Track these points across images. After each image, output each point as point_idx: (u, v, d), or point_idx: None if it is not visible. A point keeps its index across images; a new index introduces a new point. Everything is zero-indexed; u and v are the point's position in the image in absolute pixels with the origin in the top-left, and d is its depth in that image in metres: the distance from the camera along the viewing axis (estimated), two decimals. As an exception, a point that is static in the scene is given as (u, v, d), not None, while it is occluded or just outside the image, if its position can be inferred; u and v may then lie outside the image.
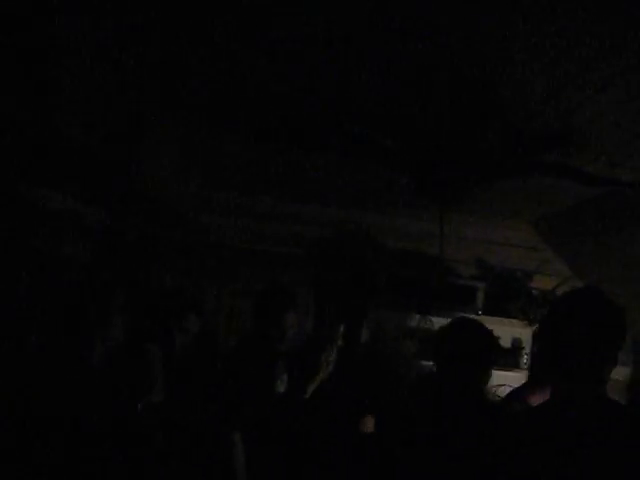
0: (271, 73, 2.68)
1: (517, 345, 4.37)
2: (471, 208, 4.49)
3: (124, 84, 2.86)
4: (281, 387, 3.23)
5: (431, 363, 4.22)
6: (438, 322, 4.45)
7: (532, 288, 4.82)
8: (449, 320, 4.17)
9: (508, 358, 4.36)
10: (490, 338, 2.99)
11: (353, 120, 2.99)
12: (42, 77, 2.24)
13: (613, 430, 1.97)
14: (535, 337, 2.16)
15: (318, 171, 4.12)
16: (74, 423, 2.20)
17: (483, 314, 4.50)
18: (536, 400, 2.58)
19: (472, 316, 4.45)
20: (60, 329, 2.44)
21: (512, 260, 4.99)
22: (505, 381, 3.44)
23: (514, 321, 4.57)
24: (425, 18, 2.14)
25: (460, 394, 2.84)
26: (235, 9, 2.24)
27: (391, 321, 4.58)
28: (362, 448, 3.04)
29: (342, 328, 4.14)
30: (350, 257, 4.79)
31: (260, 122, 3.24)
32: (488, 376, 2.92)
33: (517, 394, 2.96)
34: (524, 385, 3.22)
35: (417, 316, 4.48)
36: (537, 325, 4.54)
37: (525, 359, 4.39)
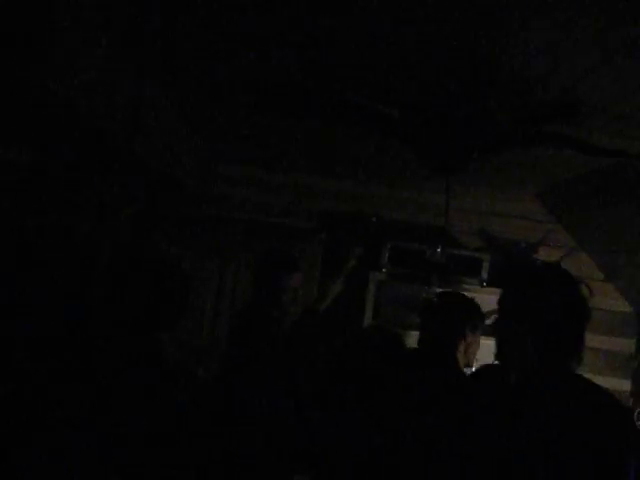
0: (272, 43, 2.66)
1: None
2: (475, 180, 4.49)
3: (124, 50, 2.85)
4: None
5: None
6: (443, 294, 4.48)
7: (537, 259, 4.82)
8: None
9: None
10: (468, 308, 3.06)
11: (357, 91, 2.98)
12: (43, 37, 2.22)
13: (581, 407, 1.99)
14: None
15: (323, 143, 4.12)
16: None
17: (488, 285, 4.51)
18: None
19: (477, 287, 4.49)
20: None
21: (517, 231, 5.00)
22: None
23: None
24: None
25: (433, 363, 2.93)
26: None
27: (395, 293, 4.60)
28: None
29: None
30: (356, 229, 4.81)
31: (264, 93, 3.23)
32: (468, 344, 2.98)
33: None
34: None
35: (422, 287, 4.50)
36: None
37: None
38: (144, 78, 3.09)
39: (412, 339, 4.49)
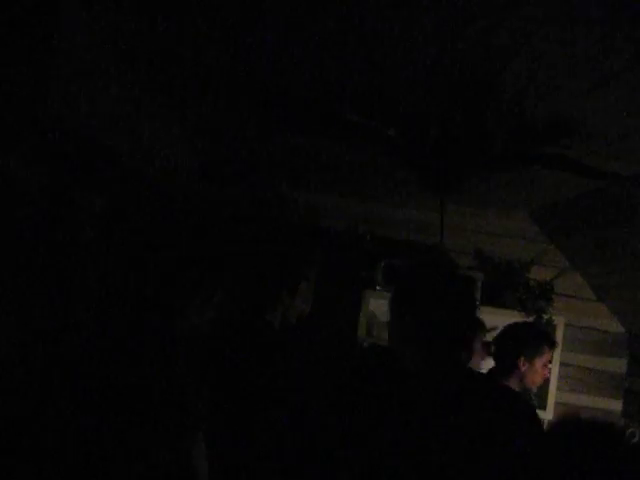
0: (271, 58, 2.68)
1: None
2: (470, 199, 4.51)
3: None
4: None
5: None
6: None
7: (530, 279, 4.84)
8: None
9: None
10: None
11: (354, 108, 3.00)
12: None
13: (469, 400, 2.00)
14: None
15: (318, 160, 4.14)
16: None
17: (481, 304, 4.52)
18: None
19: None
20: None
21: (510, 251, 5.02)
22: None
23: (511, 312, 4.59)
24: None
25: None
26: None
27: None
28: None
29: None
30: (351, 246, 4.82)
31: (258, 107, 3.25)
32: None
33: None
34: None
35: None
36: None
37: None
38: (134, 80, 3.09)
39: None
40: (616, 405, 5.05)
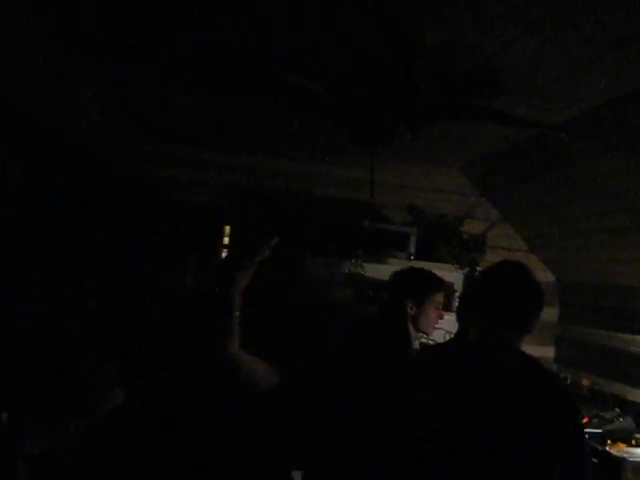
0: (197, 19, 2.61)
1: (449, 289, 4.43)
2: (401, 154, 4.51)
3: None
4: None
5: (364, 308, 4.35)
6: (371, 268, 4.51)
7: (463, 232, 4.89)
8: (381, 266, 4.31)
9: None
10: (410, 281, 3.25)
11: (281, 66, 2.94)
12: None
13: (516, 374, 2.31)
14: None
15: (247, 120, 4.07)
16: None
17: (415, 259, 4.55)
18: None
19: (405, 260, 4.53)
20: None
21: (443, 205, 5.05)
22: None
23: (446, 265, 4.63)
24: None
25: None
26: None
27: (323, 268, 4.60)
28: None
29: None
30: (283, 206, 4.78)
31: (186, 69, 3.17)
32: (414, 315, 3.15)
33: None
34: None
35: (350, 262, 4.51)
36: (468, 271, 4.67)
37: (456, 302, 4.48)
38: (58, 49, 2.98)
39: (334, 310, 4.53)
40: (549, 352, 5.18)
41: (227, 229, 4.48)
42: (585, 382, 4.45)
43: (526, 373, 2.33)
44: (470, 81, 2.93)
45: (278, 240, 3.11)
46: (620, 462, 3.35)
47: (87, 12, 2.63)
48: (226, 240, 4.51)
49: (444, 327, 3.71)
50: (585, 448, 2.23)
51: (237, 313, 2.84)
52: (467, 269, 4.67)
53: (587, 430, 3.67)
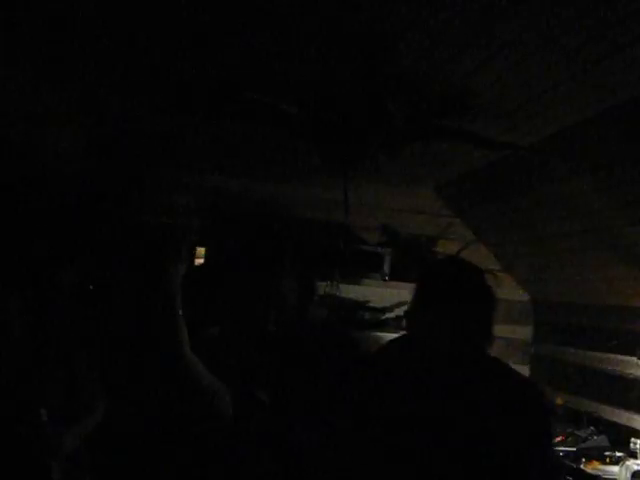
0: (170, 40, 2.62)
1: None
2: (374, 176, 4.53)
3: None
4: None
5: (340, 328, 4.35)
6: (346, 289, 4.52)
7: (437, 253, 4.92)
8: (356, 287, 4.33)
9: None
10: None
11: (254, 87, 2.96)
12: None
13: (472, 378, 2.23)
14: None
15: (221, 141, 4.08)
16: None
17: (389, 279, 4.57)
18: None
19: (379, 281, 4.55)
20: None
21: (416, 226, 5.08)
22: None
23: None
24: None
25: None
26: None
27: (298, 290, 4.60)
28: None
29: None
30: (256, 228, 4.78)
31: (157, 88, 3.17)
32: None
33: None
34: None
35: (325, 284, 4.51)
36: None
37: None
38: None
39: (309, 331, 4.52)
40: (524, 371, 5.19)
41: (201, 251, 4.47)
42: (559, 401, 4.47)
43: (495, 381, 2.30)
44: (442, 103, 2.97)
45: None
46: (594, 480, 3.37)
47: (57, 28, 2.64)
48: (200, 261, 4.50)
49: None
50: (551, 456, 2.22)
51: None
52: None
53: (562, 448, 3.70)
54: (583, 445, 3.68)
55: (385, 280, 4.60)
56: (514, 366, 4.92)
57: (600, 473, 3.42)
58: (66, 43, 2.77)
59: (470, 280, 2.35)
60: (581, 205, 3.70)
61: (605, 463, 3.55)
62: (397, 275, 4.66)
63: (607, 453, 3.63)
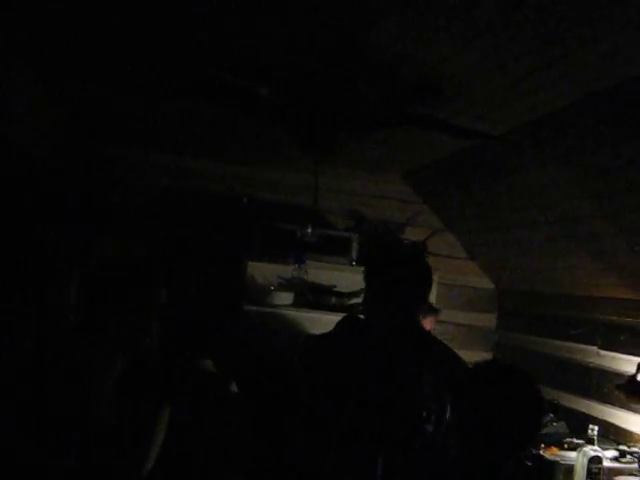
0: (139, 17, 2.59)
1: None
2: (344, 161, 4.54)
3: None
4: None
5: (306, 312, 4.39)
6: (313, 272, 4.53)
7: (404, 239, 4.93)
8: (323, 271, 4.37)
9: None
10: None
11: (225, 68, 2.94)
12: None
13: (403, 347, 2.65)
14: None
15: (192, 123, 4.05)
16: None
17: (357, 264, 4.58)
18: None
19: (347, 266, 4.57)
20: None
21: (384, 212, 5.10)
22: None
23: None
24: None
25: None
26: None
27: (266, 273, 4.61)
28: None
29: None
30: (226, 210, 4.77)
31: (133, 70, 3.14)
32: None
33: None
34: None
35: (293, 267, 4.52)
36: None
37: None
38: None
39: (282, 318, 4.54)
40: (487, 357, 5.26)
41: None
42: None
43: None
44: (413, 90, 2.97)
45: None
46: (553, 465, 3.43)
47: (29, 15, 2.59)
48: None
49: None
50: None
51: None
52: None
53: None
54: (543, 431, 3.73)
55: (352, 265, 4.61)
56: (477, 353, 5.04)
57: (558, 459, 3.48)
58: (38, 27, 2.73)
59: (403, 260, 2.73)
60: (548, 195, 3.74)
61: (563, 449, 3.62)
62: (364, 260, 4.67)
63: (566, 439, 3.70)
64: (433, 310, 4.12)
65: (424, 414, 2.51)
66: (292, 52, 2.77)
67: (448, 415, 2.47)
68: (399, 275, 2.66)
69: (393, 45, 2.57)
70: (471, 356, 4.98)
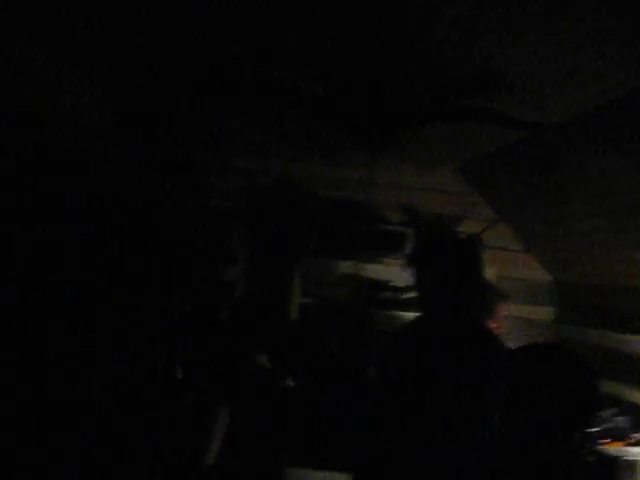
0: (195, 19, 2.62)
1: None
2: (398, 155, 4.53)
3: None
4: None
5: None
6: (369, 268, 4.53)
7: (459, 233, 4.90)
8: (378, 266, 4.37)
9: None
10: None
11: (280, 67, 2.96)
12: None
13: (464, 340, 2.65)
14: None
15: (246, 121, 4.09)
16: None
17: (410, 259, 4.56)
18: None
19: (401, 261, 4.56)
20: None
21: (439, 206, 5.07)
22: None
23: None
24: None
25: None
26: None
27: (322, 269, 4.63)
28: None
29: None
30: (282, 207, 4.80)
31: (186, 69, 3.18)
32: None
33: None
34: None
35: (348, 263, 4.54)
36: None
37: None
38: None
39: (337, 312, 4.56)
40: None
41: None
42: (581, 381, 4.46)
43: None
44: (469, 82, 2.95)
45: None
46: (616, 460, 3.38)
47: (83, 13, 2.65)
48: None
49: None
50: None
51: None
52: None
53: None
54: (605, 426, 3.68)
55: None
56: (536, 347, 4.96)
57: (621, 454, 3.43)
58: (93, 23, 2.78)
59: (454, 255, 2.77)
60: (607, 186, 3.67)
61: (627, 444, 3.56)
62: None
63: (629, 434, 3.64)
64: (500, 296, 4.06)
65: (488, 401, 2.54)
66: (348, 47, 2.77)
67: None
68: (450, 269, 2.71)
69: (449, 38, 2.56)
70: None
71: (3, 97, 2.85)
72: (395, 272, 4.66)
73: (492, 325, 3.68)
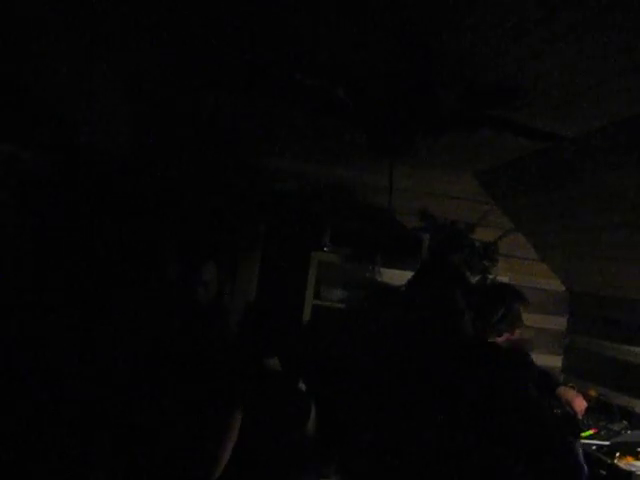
0: (220, 20, 2.64)
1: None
2: (417, 161, 4.54)
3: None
4: None
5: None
6: (386, 273, 4.54)
7: (474, 240, 4.90)
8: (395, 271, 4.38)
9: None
10: None
11: (304, 71, 2.97)
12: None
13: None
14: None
15: (266, 123, 4.10)
16: None
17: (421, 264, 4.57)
18: None
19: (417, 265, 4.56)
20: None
21: (455, 212, 5.07)
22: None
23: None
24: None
25: None
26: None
27: (337, 271, 4.64)
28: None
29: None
30: (301, 211, 4.81)
31: (210, 69, 3.20)
32: None
33: None
34: None
35: (366, 267, 4.54)
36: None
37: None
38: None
39: (351, 315, 4.57)
40: (557, 361, 5.20)
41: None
42: (592, 393, 4.46)
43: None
44: (491, 92, 2.96)
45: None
46: (629, 476, 3.35)
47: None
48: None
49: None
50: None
51: None
52: (479, 276, 4.69)
53: (594, 442, 3.68)
54: (616, 439, 3.67)
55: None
56: (547, 356, 4.98)
57: (634, 469, 3.40)
58: (119, 21, 2.81)
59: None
60: (622, 199, 3.67)
61: (639, 459, 3.54)
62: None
63: (640, 449, 3.63)
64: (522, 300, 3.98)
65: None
66: (370, 54, 2.78)
67: None
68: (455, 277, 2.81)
69: (473, 49, 2.57)
70: (541, 359, 4.98)
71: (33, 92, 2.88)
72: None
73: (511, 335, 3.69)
